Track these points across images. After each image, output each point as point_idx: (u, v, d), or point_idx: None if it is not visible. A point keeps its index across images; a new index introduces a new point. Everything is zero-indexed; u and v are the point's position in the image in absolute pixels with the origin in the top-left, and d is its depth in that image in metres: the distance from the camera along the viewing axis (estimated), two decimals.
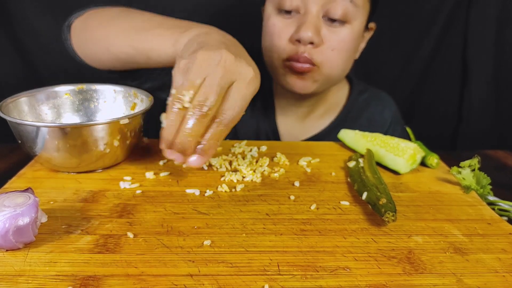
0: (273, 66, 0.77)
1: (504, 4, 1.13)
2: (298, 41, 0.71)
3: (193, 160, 0.47)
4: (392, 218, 0.44)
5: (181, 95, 0.44)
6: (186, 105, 0.44)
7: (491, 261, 0.41)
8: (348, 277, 0.38)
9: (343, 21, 0.71)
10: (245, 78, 0.46)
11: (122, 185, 0.53)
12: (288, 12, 0.73)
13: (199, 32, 0.54)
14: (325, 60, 0.73)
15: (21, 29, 1.06)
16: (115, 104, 0.65)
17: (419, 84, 1.24)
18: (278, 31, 0.74)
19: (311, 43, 0.71)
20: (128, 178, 0.55)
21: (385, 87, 1.05)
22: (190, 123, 0.44)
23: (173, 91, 0.45)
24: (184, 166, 0.54)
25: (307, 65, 0.72)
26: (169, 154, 0.47)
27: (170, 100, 0.45)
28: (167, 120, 0.45)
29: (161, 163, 0.60)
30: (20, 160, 0.60)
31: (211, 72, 0.44)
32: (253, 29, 0.81)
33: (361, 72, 1.08)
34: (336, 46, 0.73)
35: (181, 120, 0.44)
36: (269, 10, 0.76)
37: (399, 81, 1.23)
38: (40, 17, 1.06)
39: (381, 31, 1.12)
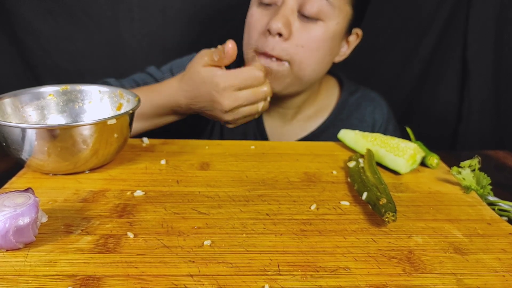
0: (247, 58, 0.77)
1: (504, 4, 1.13)
2: (268, 31, 0.71)
3: None
4: (392, 218, 0.44)
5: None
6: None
7: (491, 261, 0.41)
8: (348, 277, 0.38)
9: (316, 19, 0.71)
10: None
11: (123, 185, 0.53)
12: (268, 4, 0.73)
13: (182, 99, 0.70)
14: (294, 56, 0.72)
15: (21, 29, 1.06)
16: (100, 104, 0.64)
17: (419, 84, 1.24)
18: (253, 22, 0.75)
19: (280, 34, 0.70)
20: (129, 178, 0.55)
21: (385, 87, 1.05)
22: None
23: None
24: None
25: (274, 61, 0.72)
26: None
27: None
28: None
29: (162, 162, 0.60)
30: None
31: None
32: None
33: (361, 72, 1.08)
34: (305, 43, 0.72)
35: None
36: (252, 2, 0.77)
37: (399, 81, 1.23)
38: (40, 18, 1.05)
39: (382, 31, 1.13)
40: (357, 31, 0.80)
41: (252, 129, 0.88)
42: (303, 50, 0.72)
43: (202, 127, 0.89)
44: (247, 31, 0.77)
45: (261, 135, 0.87)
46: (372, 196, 0.48)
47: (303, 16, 0.71)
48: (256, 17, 0.74)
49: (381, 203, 0.46)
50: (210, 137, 0.89)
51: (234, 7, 1.08)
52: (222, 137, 0.88)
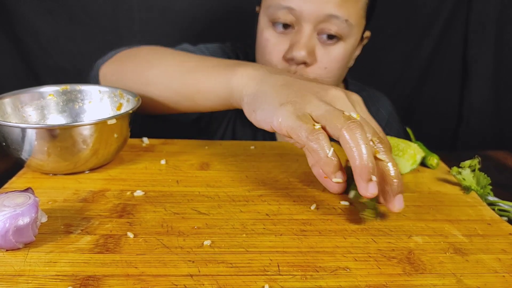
0: None
1: (504, 4, 1.13)
2: (291, 59, 0.69)
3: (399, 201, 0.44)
4: (371, 215, 0.44)
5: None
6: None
7: (491, 261, 0.41)
8: (348, 277, 0.38)
9: (337, 39, 0.70)
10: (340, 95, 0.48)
11: (123, 185, 0.53)
12: (284, 26, 0.71)
13: (254, 74, 0.53)
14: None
15: (21, 29, 1.06)
16: (100, 104, 0.64)
17: (419, 84, 1.24)
18: (270, 47, 0.72)
19: (304, 62, 0.69)
20: (128, 178, 0.55)
21: (385, 87, 1.05)
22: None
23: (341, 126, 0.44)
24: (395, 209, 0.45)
25: None
26: (372, 188, 0.42)
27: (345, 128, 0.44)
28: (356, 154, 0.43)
29: (162, 162, 0.60)
30: None
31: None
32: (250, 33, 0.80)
33: (361, 73, 1.08)
34: (328, 65, 0.71)
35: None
36: (263, 22, 0.74)
37: (399, 81, 1.23)
38: (40, 18, 1.06)
39: (382, 31, 1.12)
40: (367, 34, 0.80)
41: (261, 130, 0.87)
42: (325, 72, 0.72)
43: (213, 131, 0.88)
44: (263, 55, 0.74)
45: (270, 136, 0.87)
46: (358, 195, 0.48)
47: (323, 38, 0.70)
48: (272, 42, 0.72)
49: (362, 200, 0.46)
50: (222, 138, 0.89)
51: (235, 8, 1.08)
52: (234, 137, 0.88)
